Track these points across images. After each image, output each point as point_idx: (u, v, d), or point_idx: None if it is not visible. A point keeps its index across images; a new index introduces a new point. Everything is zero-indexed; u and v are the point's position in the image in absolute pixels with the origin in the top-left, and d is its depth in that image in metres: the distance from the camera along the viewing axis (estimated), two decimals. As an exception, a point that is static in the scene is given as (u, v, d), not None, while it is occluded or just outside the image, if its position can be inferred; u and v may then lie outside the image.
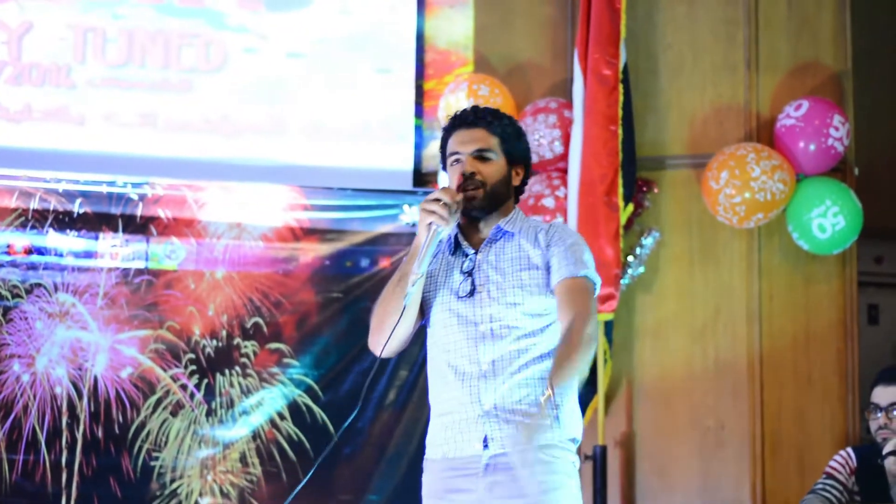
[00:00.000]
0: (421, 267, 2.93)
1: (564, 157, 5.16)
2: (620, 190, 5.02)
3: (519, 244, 3.05)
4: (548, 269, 3.00)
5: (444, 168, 3.17)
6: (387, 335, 2.96)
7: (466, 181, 3.04)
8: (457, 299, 3.01)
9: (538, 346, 2.97)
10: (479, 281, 3.02)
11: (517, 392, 2.93)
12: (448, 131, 3.14)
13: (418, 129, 5.38)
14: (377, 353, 3.01)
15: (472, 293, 3.01)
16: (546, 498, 2.90)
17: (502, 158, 3.09)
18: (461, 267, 3.03)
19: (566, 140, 5.15)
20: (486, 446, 2.91)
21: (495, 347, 2.95)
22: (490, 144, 3.08)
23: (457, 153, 3.08)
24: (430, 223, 2.93)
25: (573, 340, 2.85)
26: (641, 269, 5.20)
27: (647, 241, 5.20)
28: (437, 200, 2.93)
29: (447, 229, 2.96)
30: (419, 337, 3.10)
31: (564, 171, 5.16)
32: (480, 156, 3.07)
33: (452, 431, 2.97)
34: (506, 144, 3.10)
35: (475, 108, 3.13)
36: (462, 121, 3.12)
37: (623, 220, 5.04)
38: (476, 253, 3.07)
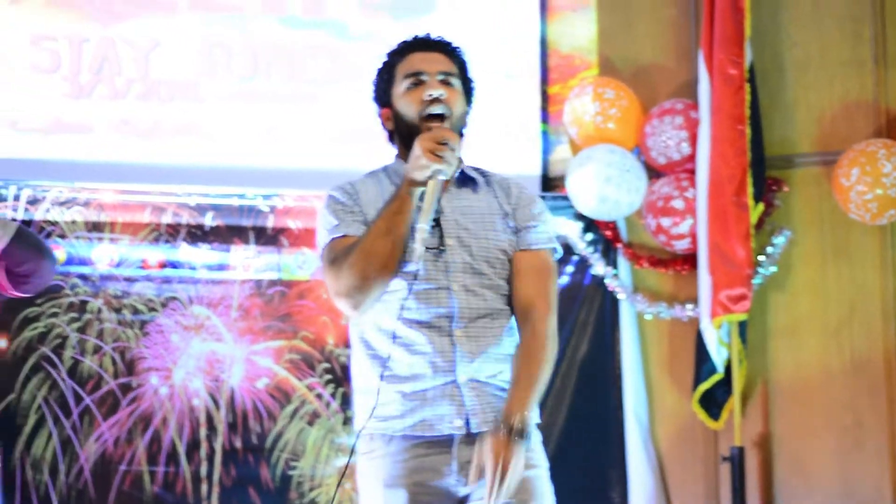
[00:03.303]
0: (428, 220, 2.69)
1: (692, 158, 5.42)
2: (750, 189, 5.26)
3: (483, 195, 2.90)
4: (515, 230, 2.87)
5: (378, 100, 2.94)
6: (376, 292, 2.74)
7: (431, 104, 2.81)
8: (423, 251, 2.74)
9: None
10: (446, 231, 2.83)
11: (492, 365, 2.80)
12: (400, 53, 2.91)
13: (544, 134, 5.66)
14: (355, 312, 2.78)
15: (440, 244, 2.81)
16: (530, 476, 2.78)
17: (461, 90, 2.89)
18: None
19: (693, 141, 5.41)
20: (467, 423, 2.76)
21: (470, 308, 2.79)
22: (453, 71, 2.88)
23: (419, 73, 2.84)
24: (437, 170, 2.70)
25: (539, 357, 2.77)
26: (773, 269, 5.45)
27: (779, 241, 5.45)
28: (445, 144, 2.70)
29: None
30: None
31: (692, 173, 5.42)
32: (446, 80, 2.86)
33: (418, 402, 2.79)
34: (464, 76, 2.92)
35: (430, 34, 2.93)
36: (421, 42, 2.91)
37: (754, 219, 5.28)
38: (438, 199, 2.78)
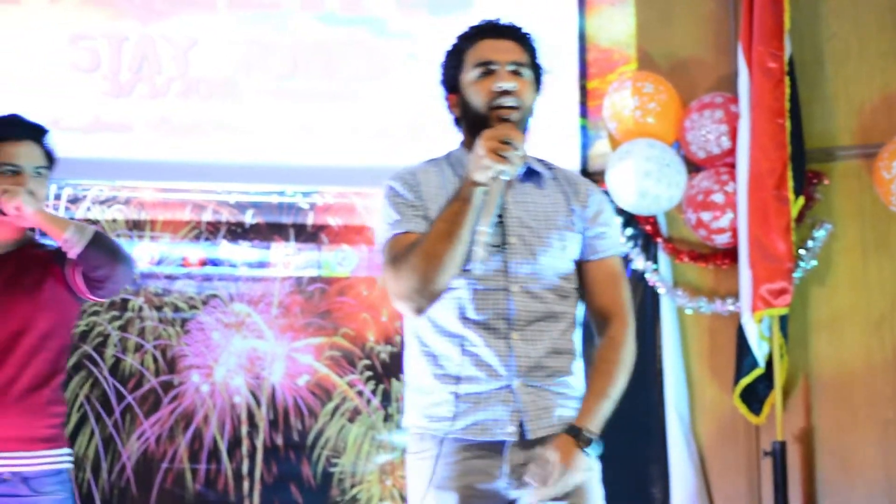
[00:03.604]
0: (490, 224, 2.60)
1: (732, 152, 5.42)
2: (790, 183, 5.26)
3: (549, 191, 2.85)
4: (584, 233, 2.83)
5: (445, 85, 2.86)
6: (437, 295, 2.68)
7: (501, 96, 2.74)
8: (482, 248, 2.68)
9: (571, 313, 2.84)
10: (509, 229, 2.79)
11: (549, 370, 2.77)
12: (470, 38, 2.84)
13: (583, 129, 5.67)
14: (415, 315, 2.74)
15: (502, 243, 2.76)
16: (583, 480, 2.77)
17: (532, 81, 2.84)
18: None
19: (733, 135, 5.41)
20: (521, 428, 2.73)
21: (528, 311, 2.76)
22: (524, 61, 2.83)
23: (491, 62, 2.77)
24: (501, 171, 2.61)
25: (615, 369, 2.78)
26: (814, 262, 5.44)
27: (819, 234, 5.44)
28: (509, 144, 2.61)
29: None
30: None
31: (732, 167, 5.43)
32: (517, 70, 2.80)
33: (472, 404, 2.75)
34: (534, 65, 2.87)
35: (502, 20, 2.84)
36: (492, 28, 2.83)
37: (794, 213, 5.27)
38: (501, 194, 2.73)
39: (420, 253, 2.66)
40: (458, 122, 2.90)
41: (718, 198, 5.41)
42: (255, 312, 5.45)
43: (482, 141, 2.63)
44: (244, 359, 5.43)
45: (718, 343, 5.53)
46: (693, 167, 5.54)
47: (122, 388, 5.33)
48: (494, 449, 2.74)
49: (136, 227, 5.43)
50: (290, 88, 5.60)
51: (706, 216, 5.42)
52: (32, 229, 3.44)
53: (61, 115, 5.43)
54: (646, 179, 5.36)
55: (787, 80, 5.30)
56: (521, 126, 2.77)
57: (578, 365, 2.86)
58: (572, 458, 2.71)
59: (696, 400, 5.52)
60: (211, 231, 5.48)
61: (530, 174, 2.85)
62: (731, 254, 5.46)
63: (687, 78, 5.64)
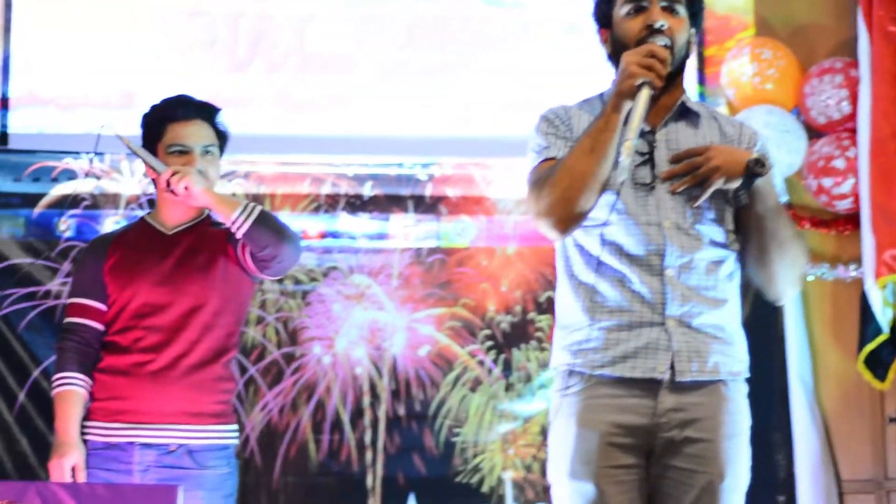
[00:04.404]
0: (636, 134, 2.57)
1: (853, 117, 5.42)
2: (913, 147, 5.27)
3: (705, 132, 2.82)
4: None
5: (597, 19, 2.84)
6: (579, 212, 2.66)
7: (653, 34, 2.69)
8: (631, 186, 2.74)
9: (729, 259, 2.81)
10: (660, 166, 2.76)
11: (705, 308, 2.74)
12: None
13: (701, 96, 5.68)
14: (557, 233, 2.72)
15: (652, 180, 2.75)
16: (731, 444, 2.76)
17: (686, 17, 2.78)
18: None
19: (854, 100, 5.40)
20: (672, 369, 2.71)
21: (682, 248, 2.73)
22: None
23: None
24: (644, 82, 2.59)
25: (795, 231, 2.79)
26: (938, 227, 5.43)
27: (944, 198, 5.43)
28: (653, 56, 2.61)
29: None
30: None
31: (853, 132, 5.42)
32: (670, 6, 2.75)
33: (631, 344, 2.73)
34: (690, 1, 2.80)
35: None
36: None
37: (917, 177, 5.28)
38: (652, 132, 2.78)
39: (563, 168, 2.66)
40: (610, 57, 2.89)
41: (839, 163, 5.41)
42: (375, 284, 5.51)
43: (627, 55, 2.64)
44: (365, 330, 5.49)
45: (841, 309, 5.52)
46: (813, 133, 5.53)
47: (244, 361, 5.41)
48: (644, 388, 2.72)
49: (255, 200, 5.46)
50: (406, 60, 5.66)
51: (827, 182, 5.42)
52: None
53: (180, 91, 5.49)
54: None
55: (907, 43, 5.30)
56: (673, 65, 2.72)
57: (734, 310, 2.83)
58: (730, 156, 2.70)
59: (820, 367, 5.52)
60: (330, 204, 5.55)
61: (684, 113, 2.83)
62: (853, 219, 5.45)
63: (806, 43, 5.64)
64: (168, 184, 3.41)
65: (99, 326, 3.49)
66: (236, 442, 3.50)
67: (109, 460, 3.41)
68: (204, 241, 3.53)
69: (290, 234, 3.45)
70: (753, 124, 5.22)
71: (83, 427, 3.44)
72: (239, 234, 3.40)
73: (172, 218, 3.57)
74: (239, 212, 3.38)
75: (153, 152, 3.50)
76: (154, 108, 3.59)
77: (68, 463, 3.35)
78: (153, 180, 3.57)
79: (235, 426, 3.54)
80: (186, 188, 3.39)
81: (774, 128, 5.37)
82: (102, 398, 3.45)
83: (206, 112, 3.56)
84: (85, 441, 3.43)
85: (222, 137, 3.59)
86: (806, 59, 5.57)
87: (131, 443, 3.41)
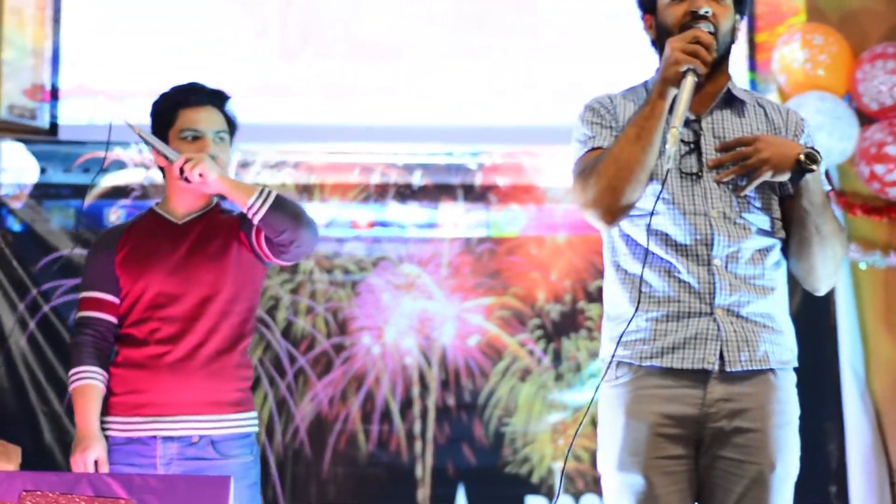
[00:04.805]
0: (681, 121, 2.58)
1: (906, 102, 5.40)
2: (967, 133, 5.24)
3: (750, 120, 2.83)
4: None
5: (641, 5, 2.84)
6: (626, 201, 2.67)
7: (697, 20, 2.68)
8: (678, 175, 2.74)
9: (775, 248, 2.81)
10: (707, 155, 2.77)
11: (753, 298, 2.73)
12: None
13: (752, 82, 5.66)
14: (604, 223, 2.73)
15: (699, 169, 2.75)
16: (780, 433, 2.75)
17: (731, 4, 2.78)
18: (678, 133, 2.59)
19: (907, 86, 5.39)
20: (721, 359, 2.71)
21: (730, 237, 2.73)
22: None
23: None
24: (689, 69, 2.60)
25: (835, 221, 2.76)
26: None
27: None
28: (698, 42, 2.61)
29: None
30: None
31: (906, 118, 5.40)
32: None
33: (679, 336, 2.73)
34: None
35: None
36: None
37: (971, 163, 5.25)
38: (698, 120, 2.78)
39: (609, 157, 2.66)
40: (653, 43, 2.90)
41: (892, 150, 5.38)
42: (424, 273, 5.52)
43: (671, 42, 2.64)
44: (414, 320, 5.50)
45: (894, 297, 5.50)
46: (865, 119, 5.50)
47: (294, 351, 5.43)
48: (693, 379, 2.72)
49: (305, 190, 5.52)
50: (455, 48, 5.66)
51: (879, 169, 5.39)
52: (222, 197, 3.49)
53: (230, 79, 5.50)
54: (817, 132, 5.32)
55: (960, 28, 5.27)
56: (720, 51, 2.73)
57: (782, 299, 2.83)
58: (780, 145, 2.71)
59: (871, 355, 5.50)
60: (379, 193, 5.56)
61: (730, 101, 2.83)
62: (905, 206, 5.43)
63: (857, 29, 5.60)
64: (181, 171, 3.38)
65: (113, 319, 3.45)
66: (256, 429, 3.48)
67: (132, 455, 3.38)
68: (215, 230, 3.49)
69: (307, 218, 3.41)
70: (805, 111, 5.26)
71: (102, 423, 3.40)
72: (256, 220, 3.34)
73: (182, 207, 3.52)
74: (255, 197, 3.33)
75: (164, 140, 3.47)
76: (165, 95, 3.55)
77: (91, 457, 3.32)
78: (162, 169, 3.54)
79: (255, 413, 3.49)
80: (201, 175, 3.33)
81: (826, 114, 5.34)
82: (121, 392, 3.42)
83: (218, 99, 3.54)
84: (106, 437, 3.39)
85: (232, 125, 3.57)
86: (858, 45, 5.53)
87: (153, 436, 3.38)
